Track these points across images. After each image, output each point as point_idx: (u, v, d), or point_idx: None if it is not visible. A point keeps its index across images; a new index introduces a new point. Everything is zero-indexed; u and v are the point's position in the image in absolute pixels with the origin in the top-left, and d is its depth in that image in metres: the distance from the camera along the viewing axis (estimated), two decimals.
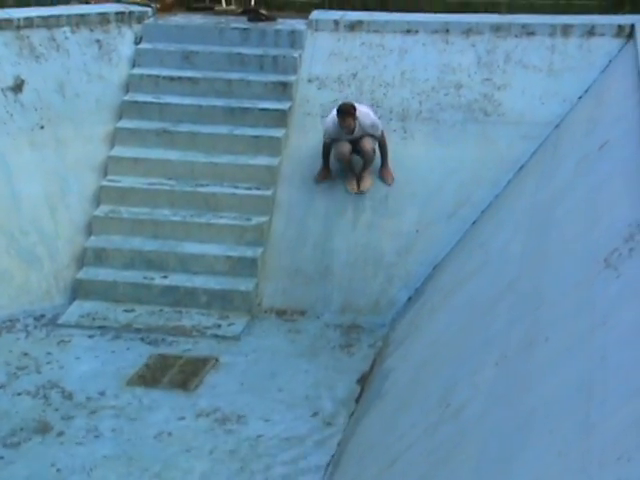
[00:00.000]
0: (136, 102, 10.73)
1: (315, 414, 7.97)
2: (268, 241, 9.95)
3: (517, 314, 6.10)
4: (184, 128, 10.53)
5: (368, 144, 9.78)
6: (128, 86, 10.86)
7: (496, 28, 10.57)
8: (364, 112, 9.76)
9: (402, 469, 5.61)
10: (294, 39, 10.96)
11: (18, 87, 10.35)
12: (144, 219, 10.07)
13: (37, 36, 10.66)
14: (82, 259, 9.94)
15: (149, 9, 11.50)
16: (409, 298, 9.43)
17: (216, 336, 9.16)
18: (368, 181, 9.97)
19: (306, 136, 10.41)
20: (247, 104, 10.60)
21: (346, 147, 9.79)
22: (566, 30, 10.43)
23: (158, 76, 10.85)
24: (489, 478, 4.43)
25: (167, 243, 9.94)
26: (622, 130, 7.48)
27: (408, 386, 7.15)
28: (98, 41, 10.93)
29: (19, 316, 9.41)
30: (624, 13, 10.95)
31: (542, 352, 5.12)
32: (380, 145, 9.93)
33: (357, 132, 9.74)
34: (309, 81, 10.69)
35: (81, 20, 10.96)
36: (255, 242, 9.89)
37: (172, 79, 10.81)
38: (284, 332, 9.24)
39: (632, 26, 10.27)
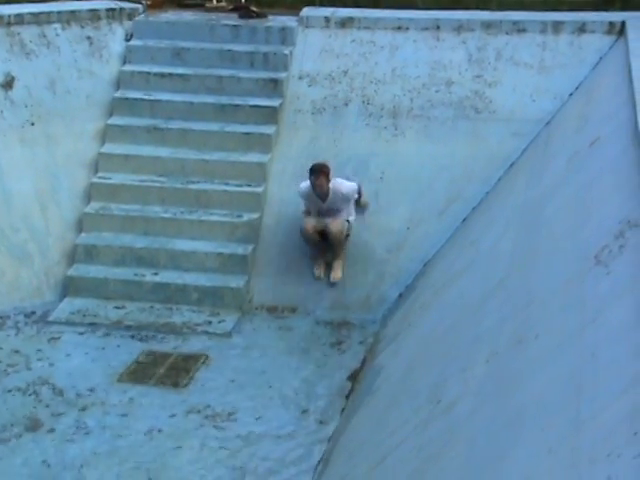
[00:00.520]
0: (127, 99, 10.71)
1: (305, 411, 7.97)
2: (259, 238, 9.94)
3: (507, 311, 6.10)
4: (175, 125, 10.52)
5: (336, 226, 9.34)
6: (119, 83, 10.84)
7: (487, 25, 10.58)
8: (338, 181, 9.42)
9: (392, 466, 5.61)
10: (285, 36, 10.95)
11: (8, 84, 10.33)
12: (135, 216, 10.06)
13: (27, 33, 10.63)
14: (73, 256, 9.93)
15: (140, 6, 11.48)
16: (400, 295, 9.43)
17: (207, 333, 9.15)
18: (339, 272, 9.57)
19: (297, 133, 10.40)
20: (238, 101, 10.59)
21: (310, 224, 9.38)
22: (557, 27, 10.45)
23: (149, 73, 10.83)
24: (479, 475, 4.43)
25: (158, 240, 9.93)
26: (613, 127, 7.49)
27: (399, 383, 7.16)
28: (89, 38, 10.91)
29: (9, 313, 9.39)
30: (615, 10, 10.96)
31: (532, 349, 5.12)
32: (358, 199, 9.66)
33: (330, 201, 9.37)
34: (300, 78, 10.69)
35: (72, 17, 10.93)
36: (246, 239, 9.89)
37: (163, 76, 10.79)
38: (275, 329, 9.24)
39: (623, 23, 10.29)
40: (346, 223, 9.46)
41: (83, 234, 10.02)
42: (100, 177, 10.32)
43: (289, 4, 11.73)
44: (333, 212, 9.44)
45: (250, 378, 8.43)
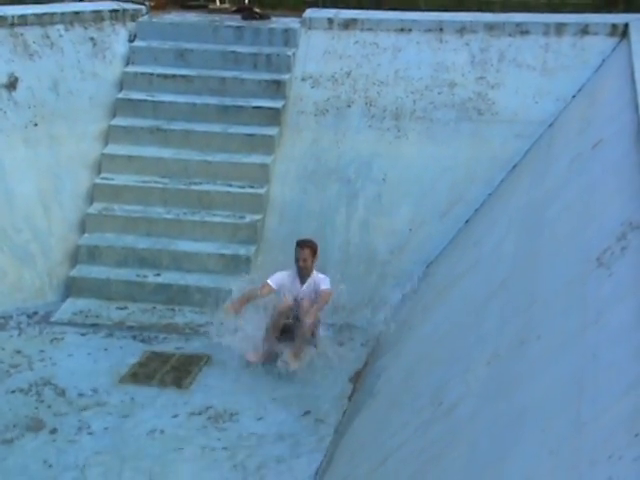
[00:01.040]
0: (130, 100, 10.73)
1: (307, 412, 7.97)
2: (261, 239, 9.95)
3: (509, 313, 6.10)
4: (178, 126, 10.53)
5: (310, 318, 8.49)
6: (122, 84, 10.86)
7: (490, 27, 10.59)
8: (322, 276, 8.85)
9: (394, 467, 5.61)
10: (288, 37, 10.96)
11: (12, 85, 10.34)
12: (137, 217, 10.07)
13: (31, 34, 10.65)
14: (75, 257, 9.94)
15: (143, 7, 11.50)
16: (402, 296, 9.42)
17: (209, 334, 9.14)
18: (296, 362, 8.47)
19: (300, 134, 10.41)
20: (241, 102, 10.61)
21: (288, 303, 8.65)
22: (560, 29, 10.45)
23: (152, 74, 10.84)
24: (480, 476, 4.43)
25: (160, 241, 9.94)
26: (615, 129, 7.48)
27: (400, 384, 7.15)
28: (92, 39, 10.92)
29: (12, 313, 9.40)
30: (618, 12, 10.97)
31: (534, 350, 5.12)
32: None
33: (309, 287, 8.74)
34: (303, 79, 10.69)
35: (75, 18, 10.94)
36: (248, 240, 9.89)
37: (166, 77, 10.81)
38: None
39: (626, 25, 10.29)
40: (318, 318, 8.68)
41: (86, 235, 10.03)
42: (103, 178, 10.34)
43: (292, 6, 11.76)
44: (307, 304, 8.68)
45: (252, 379, 8.42)
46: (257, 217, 9.98)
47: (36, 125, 10.29)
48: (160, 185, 10.22)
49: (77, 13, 11.01)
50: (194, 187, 10.18)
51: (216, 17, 11.59)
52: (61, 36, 10.79)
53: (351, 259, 9.75)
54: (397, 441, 5.91)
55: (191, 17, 11.57)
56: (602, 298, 4.88)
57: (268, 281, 8.67)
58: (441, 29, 10.67)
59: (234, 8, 11.86)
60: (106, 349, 8.88)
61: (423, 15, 10.99)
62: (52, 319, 9.36)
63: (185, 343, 9.01)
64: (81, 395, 8.11)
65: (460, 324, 6.96)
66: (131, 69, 10.93)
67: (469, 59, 10.47)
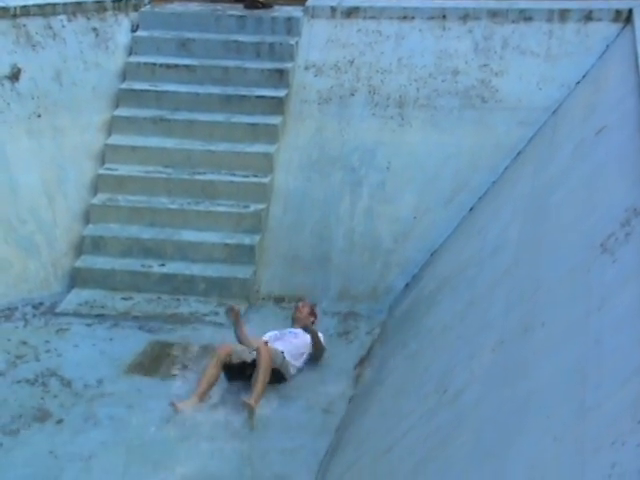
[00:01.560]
0: (133, 90, 10.71)
1: (313, 401, 7.98)
2: (266, 228, 9.94)
3: (514, 300, 6.10)
4: (181, 116, 10.52)
5: (266, 351, 7.91)
6: (125, 74, 10.84)
7: (493, 14, 10.54)
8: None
9: (399, 455, 5.62)
10: (291, 26, 10.93)
11: (15, 76, 10.33)
12: (141, 207, 10.06)
13: (33, 24, 10.62)
14: (80, 247, 9.94)
15: None
16: (406, 284, 9.43)
17: (214, 323, 9.16)
18: (254, 401, 7.67)
19: (303, 123, 10.39)
20: (244, 91, 10.58)
21: (226, 347, 8.09)
22: (563, 15, 10.41)
23: (155, 64, 10.82)
24: (485, 463, 4.44)
25: (165, 231, 9.94)
26: (620, 115, 7.47)
27: (405, 372, 7.16)
28: (95, 29, 10.90)
29: (17, 304, 9.41)
30: None
31: (539, 337, 5.12)
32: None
33: (300, 337, 8.48)
34: (306, 68, 10.67)
35: (77, 8, 10.91)
36: (253, 229, 9.89)
37: (169, 67, 10.79)
38: (282, 319, 9.21)
39: (630, 11, 10.24)
40: (280, 355, 8.15)
41: (90, 225, 10.03)
42: (107, 168, 10.33)
43: None
44: (291, 338, 8.46)
45: None
46: (261, 206, 9.97)
47: (39, 116, 10.29)
48: (164, 175, 10.21)
49: (79, 3, 10.97)
50: (198, 177, 10.17)
51: (218, 6, 11.54)
52: (64, 27, 10.77)
53: (355, 247, 9.74)
54: (403, 428, 5.92)
55: (193, 6, 11.53)
56: (606, 284, 4.88)
57: (263, 337, 8.35)
58: (444, 16, 10.63)
59: None
60: (111, 339, 8.89)
61: (426, 2, 10.94)
62: (57, 310, 9.37)
63: (190, 333, 9.01)
64: (87, 385, 8.12)
65: (464, 312, 6.96)
66: (134, 59, 10.91)
67: (472, 46, 10.44)
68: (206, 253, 9.77)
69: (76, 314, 9.30)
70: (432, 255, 9.49)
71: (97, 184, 10.25)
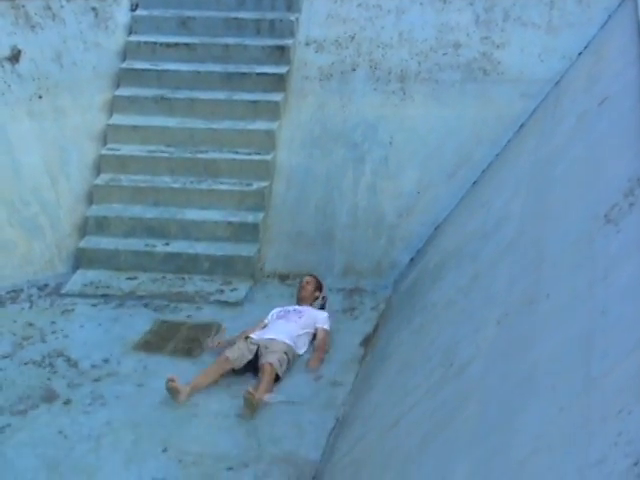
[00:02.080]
0: (134, 69, 10.68)
1: (319, 376, 8.00)
2: (269, 206, 9.94)
3: (518, 272, 6.10)
4: (182, 95, 10.49)
5: (270, 364, 7.82)
6: (125, 53, 10.81)
7: None
8: (322, 312, 8.68)
9: (406, 429, 5.63)
10: (291, 2, 10.87)
11: (15, 57, 10.30)
12: (144, 187, 10.06)
13: (32, 5, 10.57)
14: (84, 228, 9.95)
15: None
16: (411, 259, 9.44)
17: (219, 302, 9.18)
18: (257, 402, 7.48)
19: (305, 100, 10.36)
20: (245, 69, 10.55)
21: (229, 355, 8.00)
22: None
23: (155, 43, 10.79)
24: (492, 435, 4.45)
25: (168, 210, 9.93)
26: (622, 85, 7.44)
27: (411, 347, 7.17)
28: (94, 9, 10.85)
29: (23, 286, 9.43)
30: None
31: (543, 309, 5.12)
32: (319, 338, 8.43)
33: (304, 307, 8.60)
34: (307, 44, 10.63)
35: None
36: (256, 207, 9.88)
37: (169, 45, 10.75)
38: (287, 297, 9.23)
39: None
40: (285, 362, 8.00)
41: (93, 206, 10.03)
42: (109, 149, 10.32)
43: None
44: (294, 317, 8.44)
45: None
46: (264, 184, 9.96)
47: (40, 97, 10.27)
48: (166, 154, 10.20)
49: None
50: (200, 155, 10.16)
51: None
52: (62, 7, 10.72)
53: (359, 223, 9.74)
54: (409, 403, 5.94)
55: None
56: (610, 255, 4.87)
57: (264, 320, 8.49)
58: None
59: None
60: (117, 319, 8.91)
61: None
62: (62, 291, 9.38)
63: (195, 312, 9.03)
64: (94, 366, 8.15)
65: (469, 285, 6.96)
66: (134, 38, 10.87)
67: (473, 19, 10.39)
68: (210, 232, 9.77)
69: (81, 295, 9.32)
70: (436, 229, 9.49)
71: (99, 164, 10.25)
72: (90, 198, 10.09)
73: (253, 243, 9.72)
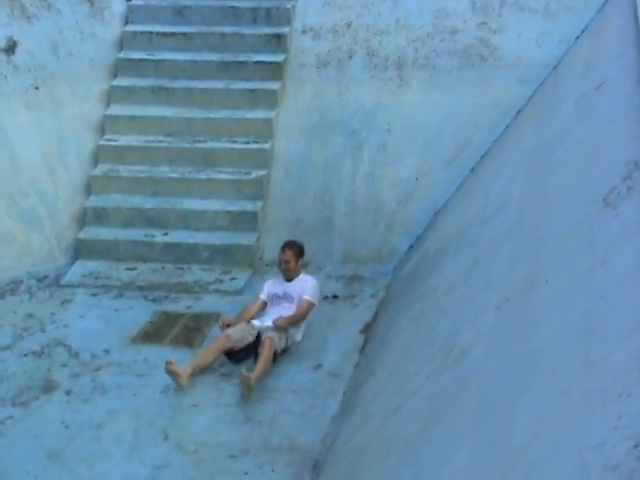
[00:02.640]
0: (130, 59, 10.67)
1: (320, 365, 8.00)
2: (268, 194, 9.93)
3: (518, 256, 6.10)
4: (180, 84, 10.48)
5: (269, 338, 7.92)
6: (122, 43, 10.79)
7: None
8: (309, 279, 8.58)
9: (407, 415, 5.64)
10: None
11: (11, 48, 10.28)
12: (143, 177, 10.05)
13: None
14: (83, 219, 9.94)
15: None
16: (410, 246, 9.43)
17: (219, 291, 9.18)
18: (254, 383, 7.58)
19: (302, 88, 10.35)
20: (242, 57, 10.54)
21: (226, 337, 8.03)
22: None
23: (151, 32, 10.77)
24: (493, 419, 4.45)
25: (167, 200, 9.92)
26: (619, 69, 7.42)
27: (411, 334, 7.17)
28: None
29: (22, 278, 9.43)
30: None
31: (543, 293, 5.12)
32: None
33: (292, 286, 8.46)
34: (303, 32, 10.61)
35: None
36: (255, 196, 9.88)
37: (166, 35, 10.74)
38: None
39: None
40: (284, 339, 8.12)
41: (92, 197, 10.02)
42: (107, 139, 10.31)
43: None
44: (286, 303, 8.38)
45: None
46: (262, 172, 9.95)
47: (37, 88, 10.24)
48: (164, 144, 10.19)
49: None
50: (198, 145, 10.15)
51: None
52: None
53: (358, 211, 9.73)
54: (410, 389, 5.94)
55: None
56: (609, 238, 4.87)
57: (260, 296, 8.49)
58: None
59: None
60: (117, 310, 8.92)
61: None
62: (62, 282, 9.38)
63: (195, 301, 9.03)
64: (94, 356, 8.15)
65: (469, 270, 6.96)
66: (130, 28, 10.85)
67: (470, 4, 10.36)
68: (209, 221, 9.77)
69: (81, 285, 9.32)
70: (435, 215, 9.49)
71: (98, 155, 10.23)
72: (88, 189, 10.08)
73: (252, 232, 9.71)
